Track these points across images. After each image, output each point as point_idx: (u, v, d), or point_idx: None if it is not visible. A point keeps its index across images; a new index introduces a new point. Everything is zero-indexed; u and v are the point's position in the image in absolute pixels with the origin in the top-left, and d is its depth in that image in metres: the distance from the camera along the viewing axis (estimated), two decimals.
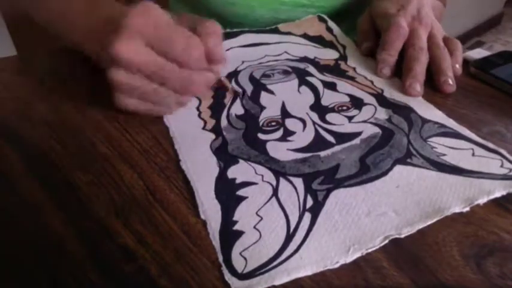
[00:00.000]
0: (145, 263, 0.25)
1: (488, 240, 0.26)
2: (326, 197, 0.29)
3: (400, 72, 0.42)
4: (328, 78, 0.43)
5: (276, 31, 0.51)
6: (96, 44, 0.36)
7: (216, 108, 0.39)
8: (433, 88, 0.41)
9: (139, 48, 0.33)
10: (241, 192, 0.29)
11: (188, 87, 0.36)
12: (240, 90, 0.41)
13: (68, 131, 0.36)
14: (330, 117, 0.37)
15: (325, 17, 0.54)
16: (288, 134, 0.35)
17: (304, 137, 0.35)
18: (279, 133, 0.35)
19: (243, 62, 0.46)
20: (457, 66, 0.44)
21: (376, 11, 0.48)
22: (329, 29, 0.52)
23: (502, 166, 0.31)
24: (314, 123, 0.36)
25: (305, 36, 0.51)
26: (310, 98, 0.40)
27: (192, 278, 0.24)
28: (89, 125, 0.36)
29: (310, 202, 0.29)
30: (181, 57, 0.34)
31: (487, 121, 0.37)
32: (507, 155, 0.32)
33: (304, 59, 0.46)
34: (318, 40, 0.50)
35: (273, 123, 0.36)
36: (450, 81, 0.41)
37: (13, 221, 0.28)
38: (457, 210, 0.28)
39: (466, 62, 0.46)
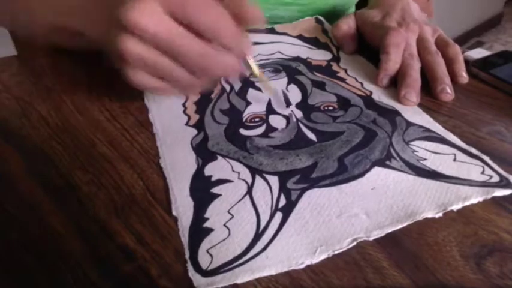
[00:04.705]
0: (145, 263, 0.25)
1: (488, 240, 0.26)
2: (300, 196, 0.29)
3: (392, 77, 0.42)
4: (319, 78, 0.43)
5: (272, 31, 0.51)
6: (99, 14, 0.32)
7: (202, 104, 0.38)
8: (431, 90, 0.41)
9: (157, 13, 0.29)
10: (215, 190, 0.29)
11: (207, 67, 0.31)
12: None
13: (68, 131, 0.36)
14: (314, 116, 0.37)
15: (322, 18, 0.54)
16: (270, 130, 0.35)
17: (286, 134, 0.35)
18: (261, 129, 0.35)
19: None
20: (464, 74, 0.42)
21: (362, 18, 0.48)
22: (324, 31, 0.52)
23: (482, 173, 0.31)
24: (298, 120, 0.36)
25: (300, 37, 0.51)
26: (297, 96, 0.40)
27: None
28: (89, 125, 0.36)
29: (283, 201, 0.28)
30: (210, 29, 0.30)
31: (487, 121, 0.37)
32: (489, 162, 0.32)
33: (296, 59, 0.46)
34: (313, 41, 0.50)
35: (257, 119, 0.36)
36: (448, 90, 0.39)
37: (13, 221, 0.28)
38: (430, 215, 0.27)
39: (466, 62, 0.45)
